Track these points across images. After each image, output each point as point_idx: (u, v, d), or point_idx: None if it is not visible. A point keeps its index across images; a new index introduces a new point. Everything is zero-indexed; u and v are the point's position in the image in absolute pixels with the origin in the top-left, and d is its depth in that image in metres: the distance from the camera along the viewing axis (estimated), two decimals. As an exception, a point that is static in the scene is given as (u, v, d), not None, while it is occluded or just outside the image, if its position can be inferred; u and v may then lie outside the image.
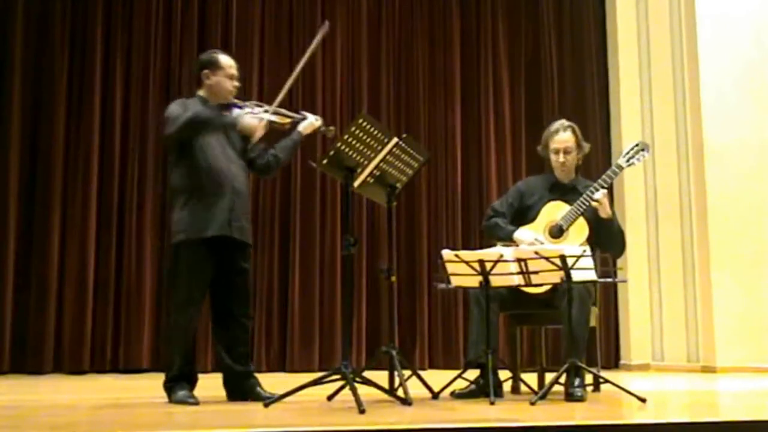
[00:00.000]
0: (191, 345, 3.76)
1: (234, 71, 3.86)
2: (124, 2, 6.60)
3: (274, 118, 3.80)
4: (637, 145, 4.02)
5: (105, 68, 6.50)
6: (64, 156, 6.35)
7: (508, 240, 4.01)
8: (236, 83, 3.87)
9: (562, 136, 4.06)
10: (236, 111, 3.73)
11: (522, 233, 3.99)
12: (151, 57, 6.57)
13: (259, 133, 3.75)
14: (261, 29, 6.77)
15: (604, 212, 3.90)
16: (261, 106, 3.82)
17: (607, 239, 4.01)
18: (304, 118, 3.92)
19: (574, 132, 4.07)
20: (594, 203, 3.87)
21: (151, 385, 5.07)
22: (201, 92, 3.86)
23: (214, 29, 6.67)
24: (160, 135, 6.49)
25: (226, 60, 3.85)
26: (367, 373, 3.43)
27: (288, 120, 3.87)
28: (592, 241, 3.94)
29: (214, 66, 3.82)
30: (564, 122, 4.12)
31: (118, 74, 6.49)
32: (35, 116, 6.38)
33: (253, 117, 3.72)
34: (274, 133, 3.94)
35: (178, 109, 3.70)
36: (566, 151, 4.05)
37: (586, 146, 4.13)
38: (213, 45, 6.60)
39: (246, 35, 6.69)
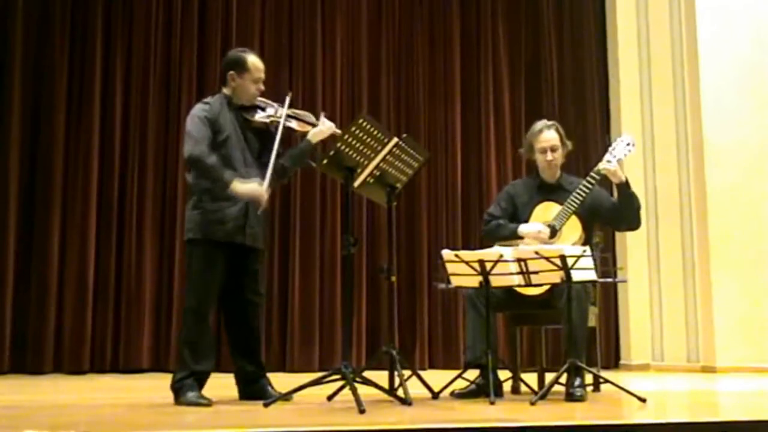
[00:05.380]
0: (204, 343, 3.60)
1: (260, 74, 3.74)
2: (124, 2, 6.60)
3: (291, 124, 3.75)
4: (622, 140, 4.04)
5: (105, 68, 6.50)
6: (64, 156, 6.35)
7: (514, 237, 4.01)
8: (261, 87, 3.76)
9: (547, 135, 4.09)
10: (263, 182, 3.54)
11: (526, 226, 4.00)
12: (151, 57, 6.57)
13: (264, 202, 3.57)
14: (261, 29, 6.77)
15: (617, 178, 3.92)
16: (281, 107, 3.72)
17: (626, 206, 3.98)
18: (315, 125, 3.79)
19: (557, 130, 4.11)
20: (604, 171, 3.89)
21: (151, 385, 5.09)
22: (226, 90, 3.75)
23: (214, 29, 6.67)
24: (160, 136, 6.52)
25: (253, 62, 3.72)
26: (367, 373, 3.43)
27: (305, 129, 3.78)
28: (606, 223, 4.19)
29: (241, 68, 3.70)
30: (546, 121, 4.16)
31: (118, 74, 6.49)
32: (35, 116, 6.38)
33: (258, 187, 3.53)
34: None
35: (198, 129, 3.57)
36: (553, 149, 4.08)
37: (569, 144, 4.16)
38: (213, 45, 6.62)
39: (246, 35, 6.68)
